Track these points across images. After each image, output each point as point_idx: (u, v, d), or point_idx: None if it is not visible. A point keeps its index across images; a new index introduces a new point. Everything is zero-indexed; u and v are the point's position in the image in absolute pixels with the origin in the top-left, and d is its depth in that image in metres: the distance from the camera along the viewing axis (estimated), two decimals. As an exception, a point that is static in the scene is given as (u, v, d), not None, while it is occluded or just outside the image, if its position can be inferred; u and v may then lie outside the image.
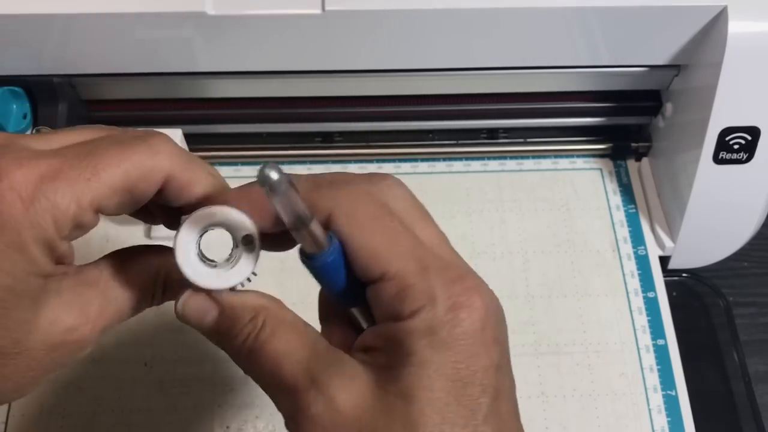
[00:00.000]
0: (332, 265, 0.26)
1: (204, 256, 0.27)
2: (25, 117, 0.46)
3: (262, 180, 0.23)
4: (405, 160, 0.51)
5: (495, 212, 0.50)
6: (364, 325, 0.27)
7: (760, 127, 0.43)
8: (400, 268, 0.25)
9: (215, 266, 0.27)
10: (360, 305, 0.27)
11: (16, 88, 0.45)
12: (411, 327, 0.25)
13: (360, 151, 0.51)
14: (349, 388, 0.25)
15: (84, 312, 0.27)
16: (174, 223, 0.28)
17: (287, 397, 0.25)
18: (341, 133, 0.51)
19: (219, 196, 0.27)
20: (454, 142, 0.52)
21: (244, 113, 0.48)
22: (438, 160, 0.51)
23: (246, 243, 0.27)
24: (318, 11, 0.40)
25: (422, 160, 0.51)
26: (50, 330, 0.26)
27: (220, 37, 0.41)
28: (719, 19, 0.41)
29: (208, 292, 0.27)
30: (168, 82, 0.45)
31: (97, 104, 0.48)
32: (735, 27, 0.40)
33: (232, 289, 0.27)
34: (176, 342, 0.44)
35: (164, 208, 0.29)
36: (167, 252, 0.27)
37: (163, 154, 0.27)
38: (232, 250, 0.27)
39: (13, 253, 0.24)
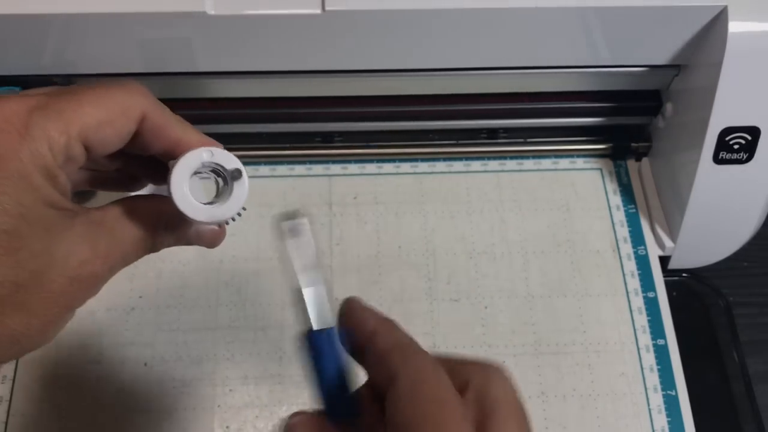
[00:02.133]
0: (326, 347, 0.26)
1: (196, 194, 0.29)
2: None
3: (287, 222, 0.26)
4: (405, 160, 0.51)
5: (495, 212, 0.50)
6: None
7: (760, 127, 0.43)
8: None
9: (209, 202, 0.29)
10: (343, 416, 0.26)
11: (16, 88, 0.45)
12: None
13: (360, 151, 0.51)
14: None
15: (94, 247, 0.28)
16: (158, 179, 0.31)
17: None
18: (341, 133, 0.51)
19: (192, 139, 0.29)
20: (454, 142, 0.52)
21: (243, 113, 0.48)
22: (438, 160, 0.51)
23: (234, 178, 0.29)
24: (318, 11, 0.40)
25: (422, 160, 0.51)
26: (67, 262, 0.27)
27: (220, 37, 0.41)
28: (719, 19, 0.41)
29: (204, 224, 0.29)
30: (168, 82, 0.45)
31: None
32: (735, 27, 0.40)
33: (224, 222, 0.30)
34: (176, 342, 0.44)
35: (146, 166, 0.31)
36: (165, 200, 0.29)
37: (138, 94, 0.28)
38: (220, 187, 0.29)
39: (19, 180, 0.25)
